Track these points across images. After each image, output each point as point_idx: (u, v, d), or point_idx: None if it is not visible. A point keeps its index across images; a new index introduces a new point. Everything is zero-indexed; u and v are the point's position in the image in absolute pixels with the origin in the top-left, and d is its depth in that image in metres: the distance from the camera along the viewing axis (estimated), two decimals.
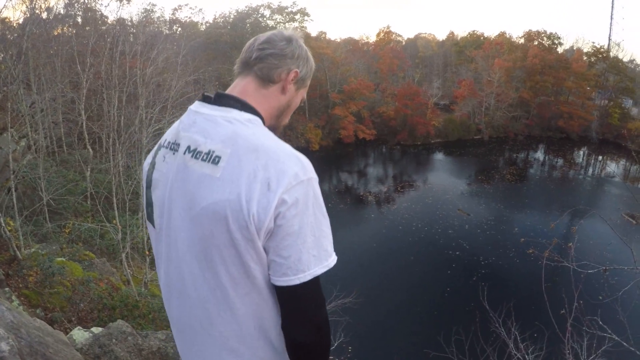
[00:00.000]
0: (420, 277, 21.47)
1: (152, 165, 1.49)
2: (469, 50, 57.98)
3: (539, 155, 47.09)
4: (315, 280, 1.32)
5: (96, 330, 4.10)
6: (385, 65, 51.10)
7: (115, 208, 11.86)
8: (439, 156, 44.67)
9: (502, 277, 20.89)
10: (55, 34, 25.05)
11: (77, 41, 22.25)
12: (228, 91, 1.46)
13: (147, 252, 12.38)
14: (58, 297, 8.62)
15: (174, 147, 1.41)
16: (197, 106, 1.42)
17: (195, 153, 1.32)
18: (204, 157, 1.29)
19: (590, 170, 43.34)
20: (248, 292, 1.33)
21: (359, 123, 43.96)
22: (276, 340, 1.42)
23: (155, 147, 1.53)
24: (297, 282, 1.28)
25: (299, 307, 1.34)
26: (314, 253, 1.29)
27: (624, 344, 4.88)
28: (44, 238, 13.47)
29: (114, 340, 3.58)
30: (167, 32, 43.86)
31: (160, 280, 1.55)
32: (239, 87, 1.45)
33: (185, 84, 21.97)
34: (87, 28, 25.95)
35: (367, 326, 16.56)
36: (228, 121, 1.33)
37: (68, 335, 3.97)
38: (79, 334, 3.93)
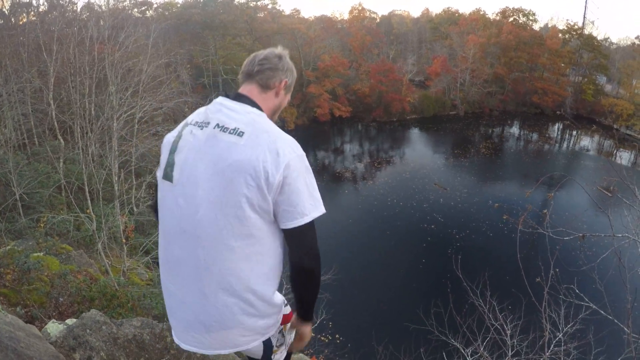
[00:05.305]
0: (396, 251, 21.79)
1: (179, 136, 1.98)
2: (443, 27, 58.05)
3: (514, 130, 47.70)
4: (313, 222, 1.88)
5: (70, 321, 4.03)
6: (358, 42, 50.72)
7: (89, 198, 11.63)
8: (415, 132, 44.91)
9: (477, 249, 21.31)
10: (20, 23, 24.23)
11: (43, 28, 21.49)
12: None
13: (124, 241, 12.21)
14: (37, 293, 8.46)
15: (202, 124, 1.93)
16: (221, 99, 1.99)
17: (223, 128, 1.86)
18: (231, 132, 1.84)
19: (565, 144, 44.12)
20: (249, 234, 1.83)
21: (334, 101, 43.72)
22: (262, 287, 1.93)
23: (182, 125, 2.03)
24: (302, 222, 1.85)
25: (304, 241, 1.90)
26: (311, 202, 1.87)
27: (601, 312, 4.95)
28: (19, 234, 13.17)
29: (88, 331, 3.52)
30: (138, 15, 42.73)
31: (163, 225, 1.99)
32: (246, 90, 2.04)
33: (156, 67, 21.51)
34: (50, 15, 25.07)
35: (347, 302, 16.75)
36: (246, 112, 1.92)
37: (43, 329, 3.90)
38: (53, 327, 3.86)
